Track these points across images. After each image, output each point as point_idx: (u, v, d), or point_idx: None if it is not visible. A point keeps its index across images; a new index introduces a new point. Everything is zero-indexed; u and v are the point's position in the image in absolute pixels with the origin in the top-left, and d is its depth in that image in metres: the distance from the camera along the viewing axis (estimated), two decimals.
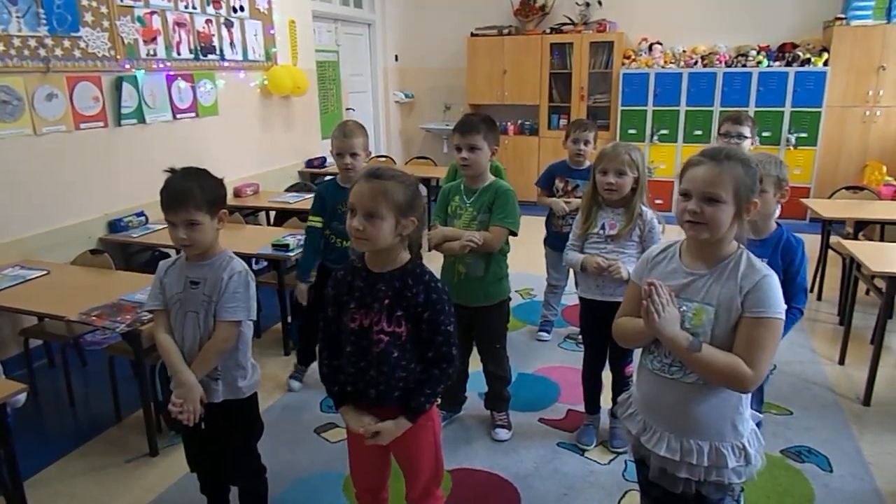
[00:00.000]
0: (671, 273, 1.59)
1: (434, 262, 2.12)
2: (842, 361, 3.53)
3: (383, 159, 6.60)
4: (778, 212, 3.15)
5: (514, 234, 2.63)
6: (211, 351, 1.96)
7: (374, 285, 1.72)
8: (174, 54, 4.50)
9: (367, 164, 3.03)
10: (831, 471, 2.60)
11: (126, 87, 4.11)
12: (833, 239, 4.30)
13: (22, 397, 2.15)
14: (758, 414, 1.66)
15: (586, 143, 3.54)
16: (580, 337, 3.78)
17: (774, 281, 1.46)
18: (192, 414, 1.91)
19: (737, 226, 1.49)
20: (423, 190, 1.93)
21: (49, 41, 3.63)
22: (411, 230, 1.70)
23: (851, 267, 3.63)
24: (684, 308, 1.52)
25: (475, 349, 2.87)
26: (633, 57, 7.02)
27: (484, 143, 2.54)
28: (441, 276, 2.67)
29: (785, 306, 1.46)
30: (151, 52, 4.32)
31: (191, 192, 1.87)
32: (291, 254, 3.51)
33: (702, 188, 1.46)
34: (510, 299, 2.79)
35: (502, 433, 2.86)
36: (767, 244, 2.10)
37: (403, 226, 1.67)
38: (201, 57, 4.75)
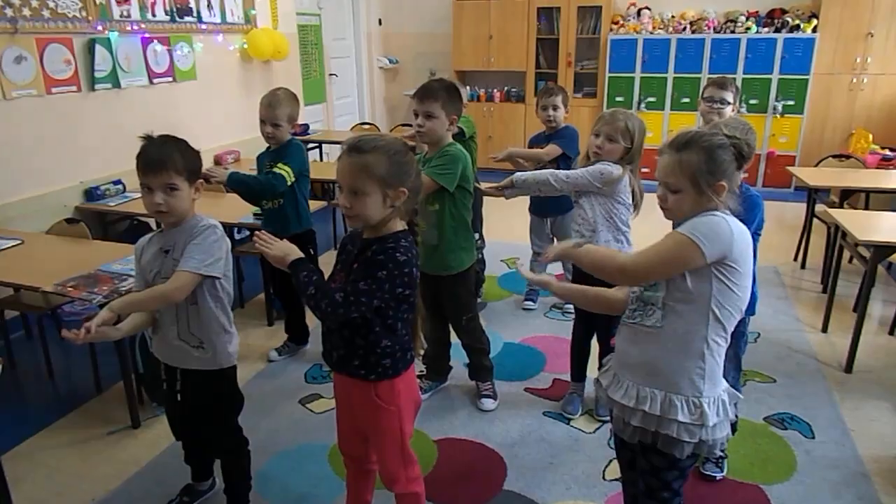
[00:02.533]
0: None
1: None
2: (825, 329, 3.55)
3: (367, 127, 6.47)
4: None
5: (448, 190, 2.51)
6: (155, 292, 1.85)
7: (353, 250, 1.72)
8: (149, 15, 4.34)
9: (293, 132, 3.14)
10: (813, 437, 2.63)
11: (99, 49, 3.96)
12: (818, 207, 4.31)
13: None
14: (737, 394, 1.66)
15: (555, 108, 3.52)
16: (566, 306, 3.79)
17: (712, 219, 1.49)
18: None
19: (705, 203, 1.53)
20: None
21: (16, 0, 3.47)
22: (402, 200, 1.65)
23: (836, 235, 3.64)
24: None
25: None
26: (621, 22, 6.91)
27: (441, 111, 2.46)
28: None
29: (707, 240, 1.46)
30: (125, 13, 4.15)
31: (171, 156, 1.82)
32: None
33: (661, 177, 1.59)
34: (479, 271, 2.73)
35: (488, 403, 2.86)
36: None
37: (393, 197, 1.63)
38: (177, 19, 4.58)
